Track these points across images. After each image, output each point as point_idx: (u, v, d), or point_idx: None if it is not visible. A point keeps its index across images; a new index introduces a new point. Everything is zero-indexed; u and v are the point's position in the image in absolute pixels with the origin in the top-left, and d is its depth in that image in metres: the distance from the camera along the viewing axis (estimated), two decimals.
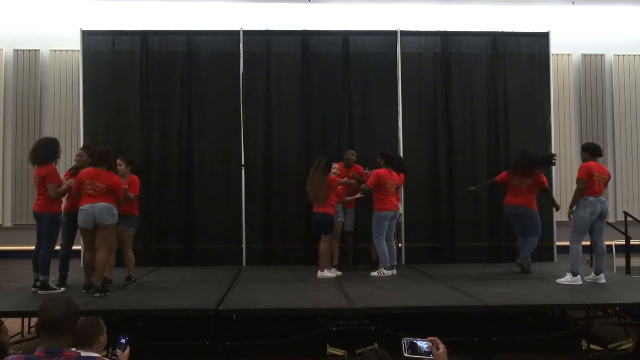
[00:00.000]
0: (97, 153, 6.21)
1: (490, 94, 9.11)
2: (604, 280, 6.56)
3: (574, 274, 6.53)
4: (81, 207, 6.02)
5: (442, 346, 2.57)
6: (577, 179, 6.67)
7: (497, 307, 5.49)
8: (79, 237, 6.45)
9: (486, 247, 8.91)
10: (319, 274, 7.32)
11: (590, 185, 6.55)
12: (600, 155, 6.90)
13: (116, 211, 6.11)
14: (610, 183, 9.54)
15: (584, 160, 6.80)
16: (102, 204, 5.98)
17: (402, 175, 7.80)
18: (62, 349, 2.58)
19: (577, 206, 6.62)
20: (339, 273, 7.48)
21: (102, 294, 5.90)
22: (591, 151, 6.78)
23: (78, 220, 6.08)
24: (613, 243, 9.10)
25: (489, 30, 9.17)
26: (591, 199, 6.55)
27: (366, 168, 8.08)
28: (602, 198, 6.68)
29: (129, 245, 6.72)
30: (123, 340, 3.09)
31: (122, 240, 6.66)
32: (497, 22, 9.33)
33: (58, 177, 6.24)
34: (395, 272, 7.52)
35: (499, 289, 6.26)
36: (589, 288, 6.35)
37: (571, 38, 9.58)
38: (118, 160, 6.78)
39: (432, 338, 2.60)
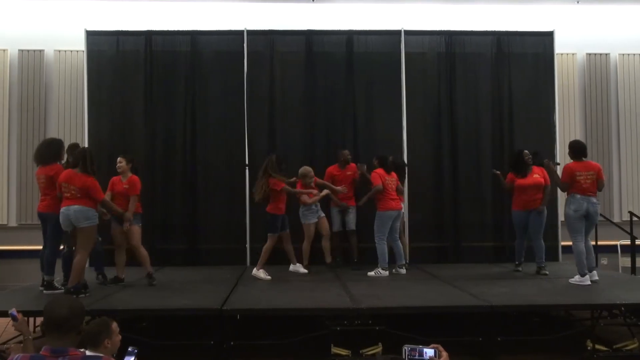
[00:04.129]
0: (75, 154, 6.15)
1: (494, 94, 9.09)
2: (596, 278, 6.59)
3: (582, 275, 6.52)
4: (60, 210, 5.95)
5: (444, 353, 2.55)
6: (563, 181, 6.65)
7: (502, 307, 5.47)
8: None
9: (491, 247, 8.90)
10: (254, 271, 7.30)
11: (576, 184, 6.52)
12: (584, 156, 6.72)
13: (93, 214, 5.95)
14: (615, 183, 9.56)
15: (571, 158, 6.77)
16: (76, 206, 5.84)
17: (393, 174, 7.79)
18: (68, 348, 2.59)
19: (565, 204, 6.64)
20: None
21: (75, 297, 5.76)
22: (572, 152, 6.73)
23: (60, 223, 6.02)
24: (618, 243, 9.08)
25: (493, 29, 9.16)
26: (578, 196, 6.52)
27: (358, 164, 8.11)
28: (593, 199, 6.55)
29: (139, 242, 6.73)
30: (133, 352, 3.06)
31: (131, 237, 6.68)
32: (502, 22, 9.31)
33: None
34: (404, 271, 7.55)
35: (504, 289, 6.25)
36: (593, 288, 6.33)
37: (576, 37, 9.57)
38: (119, 157, 6.83)
39: (435, 345, 2.57)
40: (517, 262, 7.71)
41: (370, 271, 7.43)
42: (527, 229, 7.55)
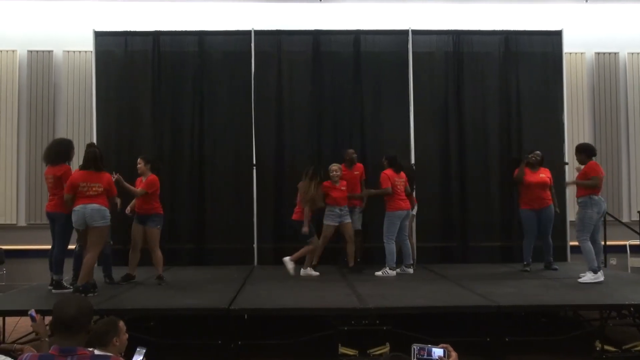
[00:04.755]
0: (86, 155, 6.17)
1: (502, 93, 9.06)
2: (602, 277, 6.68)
3: (594, 272, 6.54)
4: (74, 209, 5.94)
5: (454, 354, 2.54)
6: (592, 176, 6.62)
7: (510, 308, 5.46)
8: None
9: (498, 247, 8.86)
10: (302, 271, 7.38)
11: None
12: (595, 155, 6.96)
13: (108, 214, 6.00)
14: (625, 183, 9.52)
15: (581, 162, 6.85)
16: (94, 205, 5.88)
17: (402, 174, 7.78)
18: (76, 348, 2.60)
19: (585, 205, 6.66)
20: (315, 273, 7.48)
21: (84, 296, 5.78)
22: (587, 153, 6.84)
23: (72, 222, 6.03)
24: (627, 243, 9.02)
25: (501, 29, 9.13)
26: (596, 198, 6.65)
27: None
28: (602, 197, 6.80)
29: (156, 245, 6.78)
30: (141, 351, 3.07)
31: (150, 239, 6.73)
32: (510, 21, 9.27)
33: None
34: (411, 270, 7.58)
35: (511, 289, 6.23)
36: (602, 288, 6.30)
37: (584, 36, 9.51)
38: (138, 159, 6.91)
39: (444, 345, 2.56)
40: (525, 262, 7.69)
41: (377, 271, 7.43)
42: (537, 228, 7.55)
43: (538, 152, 7.66)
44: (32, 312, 3.40)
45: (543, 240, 7.69)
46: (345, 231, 7.73)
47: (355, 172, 8.15)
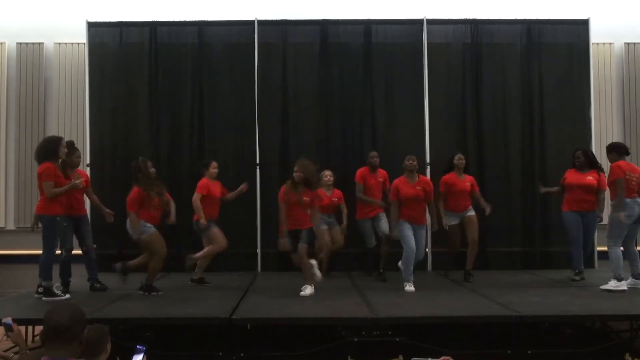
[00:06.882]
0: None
1: (524, 88, 9.04)
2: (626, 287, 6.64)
3: (618, 279, 6.53)
4: None
5: None
6: (614, 179, 6.66)
7: (532, 318, 5.45)
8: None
9: (520, 253, 8.84)
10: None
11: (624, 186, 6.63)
12: (628, 154, 7.02)
13: (142, 225, 6.54)
14: None
15: (612, 161, 6.91)
16: (128, 220, 6.61)
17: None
18: (68, 359, 2.61)
19: (614, 209, 6.67)
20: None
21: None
22: (617, 151, 6.91)
23: None
24: None
25: (523, 17, 9.10)
26: (628, 200, 6.63)
27: None
28: (639, 200, 6.73)
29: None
30: (142, 349, 3.04)
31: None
32: (532, 9, 9.25)
33: (54, 176, 6.22)
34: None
35: (534, 298, 6.20)
36: (632, 297, 6.27)
37: (613, 25, 9.43)
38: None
39: (445, 358, 2.60)
40: (577, 270, 7.46)
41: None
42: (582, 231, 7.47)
43: (579, 151, 7.57)
44: (9, 320, 3.19)
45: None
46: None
47: (380, 179, 7.98)
